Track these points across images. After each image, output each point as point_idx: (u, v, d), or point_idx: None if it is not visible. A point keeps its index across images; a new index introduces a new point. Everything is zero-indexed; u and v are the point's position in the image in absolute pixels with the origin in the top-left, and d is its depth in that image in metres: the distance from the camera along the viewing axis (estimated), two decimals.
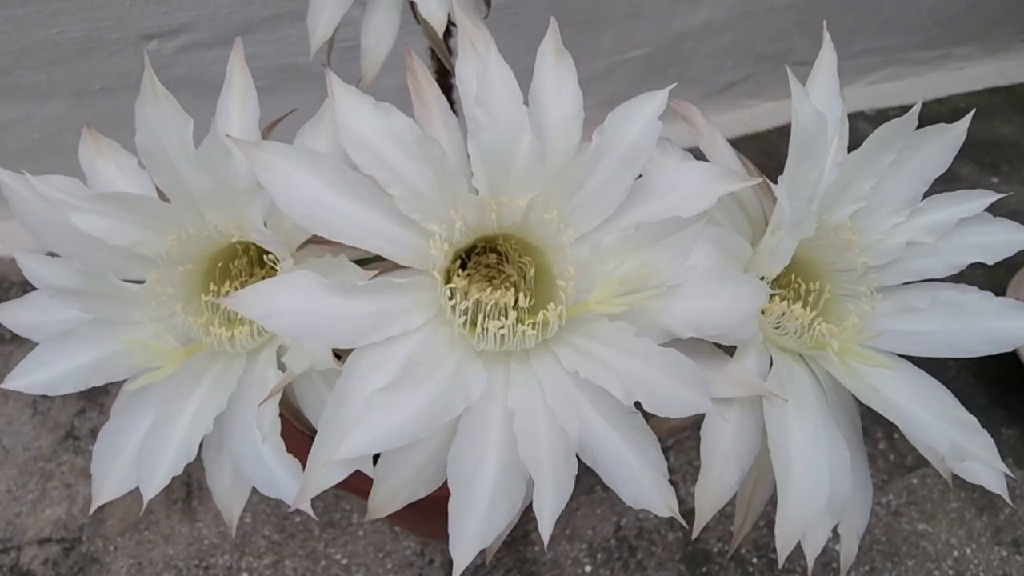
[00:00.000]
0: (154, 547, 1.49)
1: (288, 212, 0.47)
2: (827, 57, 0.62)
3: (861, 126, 2.52)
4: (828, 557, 1.60)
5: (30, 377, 0.56)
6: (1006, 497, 0.56)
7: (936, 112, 2.53)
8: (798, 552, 1.70)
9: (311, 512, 0.52)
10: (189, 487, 1.55)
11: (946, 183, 0.58)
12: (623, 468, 0.49)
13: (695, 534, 0.53)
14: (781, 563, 0.53)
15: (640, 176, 0.56)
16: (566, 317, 0.53)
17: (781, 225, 0.53)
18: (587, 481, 1.59)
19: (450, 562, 1.43)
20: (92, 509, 0.60)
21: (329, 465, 0.46)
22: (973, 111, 0.62)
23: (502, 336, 0.51)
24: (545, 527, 0.47)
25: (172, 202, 0.57)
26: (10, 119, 1.65)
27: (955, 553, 1.62)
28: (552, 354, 0.54)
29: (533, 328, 0.52)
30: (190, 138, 0.54)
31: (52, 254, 0.56)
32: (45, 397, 1.70)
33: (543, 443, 0.49)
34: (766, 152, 2.58)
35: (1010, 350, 0.57)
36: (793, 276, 0.64)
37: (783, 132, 2.45)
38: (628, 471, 0.49)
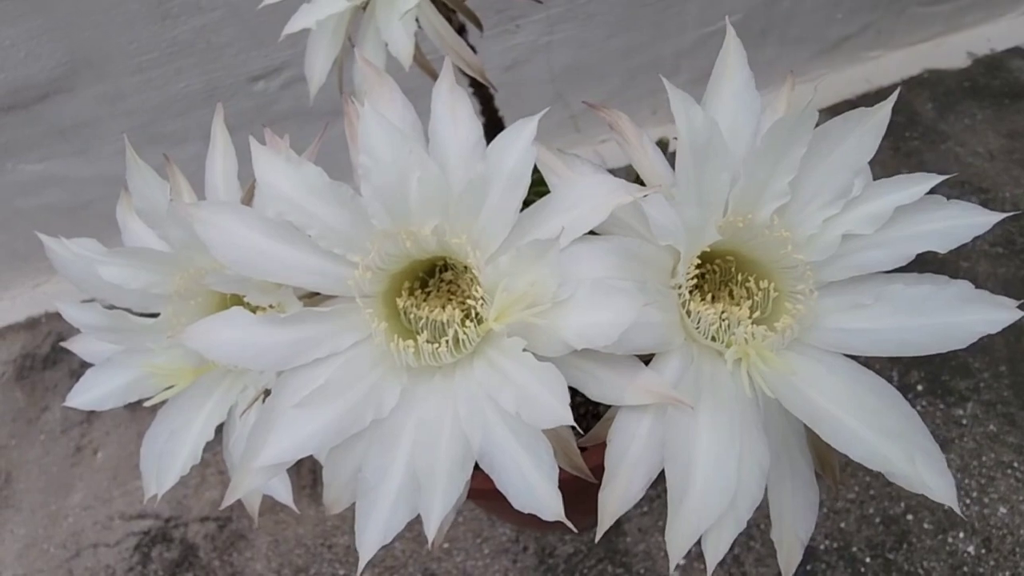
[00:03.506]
0: (287, 527, 1.70)
1: (221, 259, 0.56)
2: (733, 49, 0.59)
3: (1017, 64, 2.19)
4: (958, 560, 1.45)
5: (82, 397, 0.71)
6: (956, 508, 0.51)
7: None
8: (925, 554, 1.55)
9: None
10: (315, 474, 1.75)
11: None
12: (517, 475, 0.52)
13: (597, 538, 0.55)
14: (672, 567, 0.53)
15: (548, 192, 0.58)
16: (479, 334, 0.57)
17: (656, 235, 0.53)
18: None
19: (544, 549, 1.50)
20: (144, 500, 0.74)
21: (253, 471, 0.54)
22: (899, 89, 0.56)
23: (413, 352, 0.56)
24: (431, 529, 0.52)
25: (171, 250, 0.68)
26: (158, 164, 1.95)
27: None
28: (472, 367, 0.58)
29: (447, 345, 0.57)
30: (169, 198, 0.65)
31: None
32: None
33: (442, 451, 0.53)
34: (894, 109, 2.34)
35: (965, 347, 0.52)
36: (741, 276, 0.62)
37: (913, 85, 2.19)
38: (521, 478, 0.52)
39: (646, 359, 0.58)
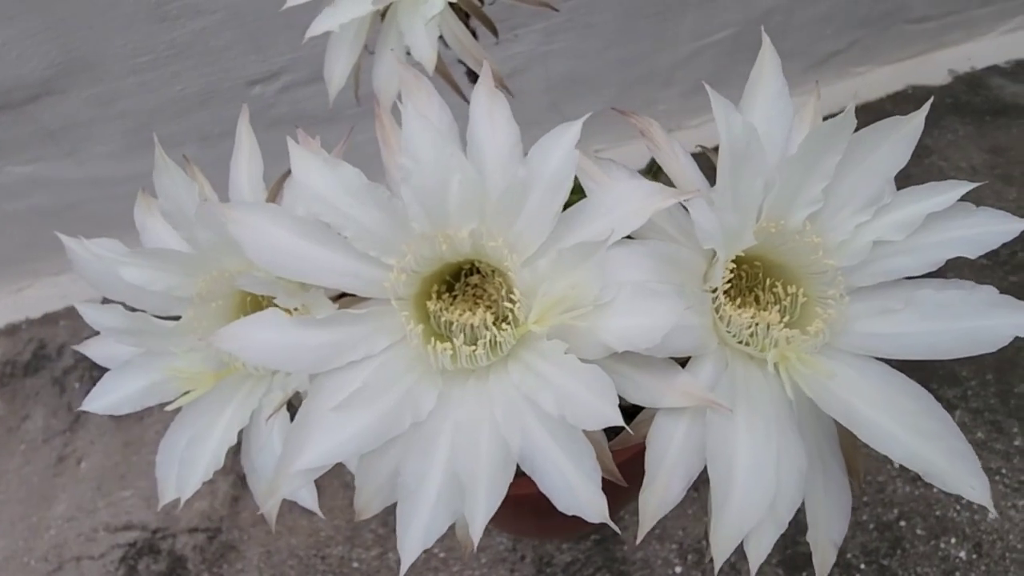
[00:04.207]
0: (280, 537, 1.67)
1: (256, 260, 0.55)
2: (768, 59, 0.60)
3: (996, 82, 2.26)
4: (950, 566, 1.48)
5: (100, 401, 0.69)
6: (991, 508, 0.52)
7: None
8: (918, 560, 1.57)
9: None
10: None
11: None
12: (559, 477, 0.52)
13: (638, 540, 0.55)
14: (717, 569, 0.54)
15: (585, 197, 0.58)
16: (516, 337, 0.57)
17: (700, 239, 0.53)
18: None
19: (541, 558, 1.49)
20: (159, 507, 0.73)
21: (291, 475, 0.53)
22: (931, 99, 0.58)
23: (450, 355, 0.56)
24: (476, 531, 0.52)
25: (196, 252, 0.68)
26: (149, 168, 1.93)
27: None
28: (507, 370, 0.58)
29: (483, 348, 0.57)
30: (197, 199, 0.64)
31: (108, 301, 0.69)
32: None
33: (482, 454, 0.53)
34: None
35: (994, 350, 0.53)
36: (769, 281, 0.63)
37: (899, 100, 2.25)
38: (563, 480, 0.52)
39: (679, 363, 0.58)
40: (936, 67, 2.27)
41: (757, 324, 0.57)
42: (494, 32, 0.91)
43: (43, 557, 1.74)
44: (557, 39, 1.90)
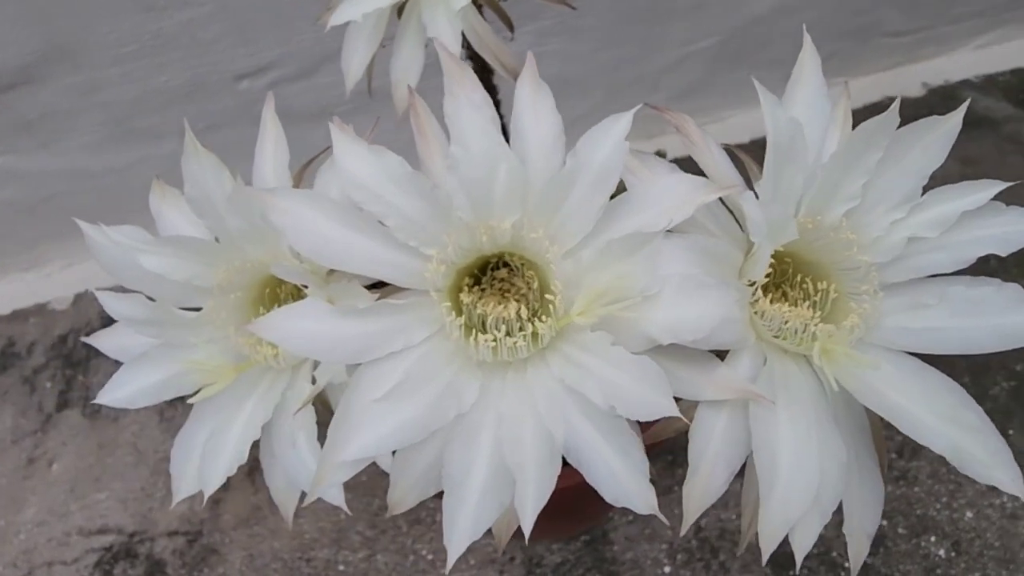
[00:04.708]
0: (263, 540, 1.64)
1: (298, 247, 0.54)
2: (809, 58, 0.62)
3: (968, 95, 2.34)
4: (931, 563, 1.52)
5: (114, 394, 0.67)
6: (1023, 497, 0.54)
7: None
8: (900, 558, 1.60)
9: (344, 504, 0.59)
10: None
11: None
12: (605, 469, 0.52)
13: (682, 532, 0.55)
14: (765, 560, 0.54)
15: (625, 190, 0.58)
16: (556, 328, 0.57)
17: (751, 232, 0.54)
18: (665, 482, 1.60)
19: (531, 559, 1.48)
20: (173, 504, 0.70)
21: (336, 466, 0.52)
22: (968, 100, 0.60)
23: (492, 348, 0.56)
24: (527, 523, 0.51)
25: (219, 241, 0.66)
26: (133, 160, 1.87)
27: None
28: (546, 362, 0.58)
29: (524, 340, 0.57)
30: (227, 186, 0.62)
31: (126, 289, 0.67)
32: (170, 405, 1.92)
33: (528, 446, 0.53)
34: None
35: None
36: (800, 277, 0.64)
37: (877, 110, 2.31)
38: (610, 472, 0.52)
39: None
40: (911, 80, 2.34)
41: (796, 319, 0.58)
42: (510, 27, 0.91)
43: (12, 563, 1.67)
44: (548, 41, 1.91)
